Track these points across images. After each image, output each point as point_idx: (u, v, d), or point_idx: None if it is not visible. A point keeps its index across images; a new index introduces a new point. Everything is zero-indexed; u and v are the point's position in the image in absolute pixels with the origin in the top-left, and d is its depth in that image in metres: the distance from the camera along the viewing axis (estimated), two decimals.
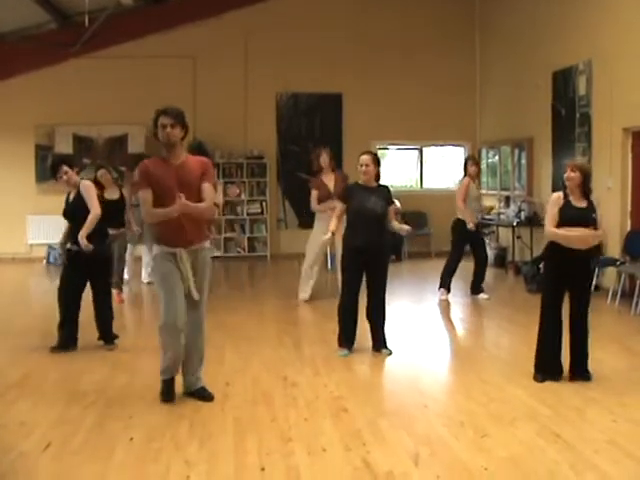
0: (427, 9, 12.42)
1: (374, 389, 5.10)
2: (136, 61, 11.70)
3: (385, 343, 5.85)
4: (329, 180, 7.95)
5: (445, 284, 8.24)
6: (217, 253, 8.44)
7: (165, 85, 11.65)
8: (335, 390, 4.82)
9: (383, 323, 5.89)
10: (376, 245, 5.70)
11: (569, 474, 3.46)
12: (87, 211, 5.72)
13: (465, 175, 8.32)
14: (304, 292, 8.17)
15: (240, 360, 5.64)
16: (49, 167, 6.20)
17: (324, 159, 7.97)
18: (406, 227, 5.90)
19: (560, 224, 4.86)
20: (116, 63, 11.65)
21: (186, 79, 12.00)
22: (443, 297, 8.19)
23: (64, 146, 11.67)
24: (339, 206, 5.85)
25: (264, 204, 12.33)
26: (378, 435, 3.99)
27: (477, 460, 3.62)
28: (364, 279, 5.84)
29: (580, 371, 4.98)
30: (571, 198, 4.90)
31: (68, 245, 5.89)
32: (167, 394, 4.59)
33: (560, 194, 4.96)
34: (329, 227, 5.95)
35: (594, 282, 8.15)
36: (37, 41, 11.03)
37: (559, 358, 5.00)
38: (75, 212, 5.82)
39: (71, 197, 5.92)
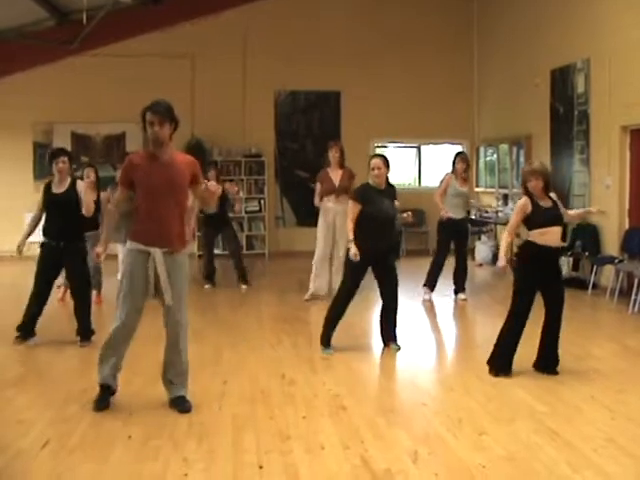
0: (425, 7, 12.42)
1: (372, 387, 5.10)
2: (134, 59, 11.67)
3: (395, 338, 5.91)
4: (335, 175, 7.90)
5: (428, 283, 8.08)
6: (217, 251, 8.35)
7: (163, 83, 11.58)
8: (333, 388, 4.83)
9: (394, 321, 5.94)
10: (386, 246, 5.84)
11: (567, 472, 3.46)
12: (78, 208, 5.97)
13: (453, 171, 8.22)
14: (311, 288, 8.04)
15: (238, 358, 5.64)
16: (49, 154, 6.35)
17: (333, 154, 7.91)
18: (405, 215, 6.08)
19: (536, 227, 4.99)
20: (114, 61, 11.62)
21: (184, 77, 11.97)
22: (426, 297, 8.04)
23: (62, 144, 11.45)
24: (354, 209, 5.75)
25: (262, 202, 12.34)
26: (376, 433, 3.99)
27: (475, 458, 3.63)
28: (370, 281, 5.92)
29: (551, 366, 5.08)
30: (538, 201, 5.02)
31: (43, 239, 6.04)
32: (97, 401, 4.39)
33: (527, 200, 5.05)
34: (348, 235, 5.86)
35: (592, 280, 8.29)
36: (35, 39, 11.00)
37: (513, 356, 5.08)
38: (67, 205, 5.96)
39: (59, 190, 6.00)
